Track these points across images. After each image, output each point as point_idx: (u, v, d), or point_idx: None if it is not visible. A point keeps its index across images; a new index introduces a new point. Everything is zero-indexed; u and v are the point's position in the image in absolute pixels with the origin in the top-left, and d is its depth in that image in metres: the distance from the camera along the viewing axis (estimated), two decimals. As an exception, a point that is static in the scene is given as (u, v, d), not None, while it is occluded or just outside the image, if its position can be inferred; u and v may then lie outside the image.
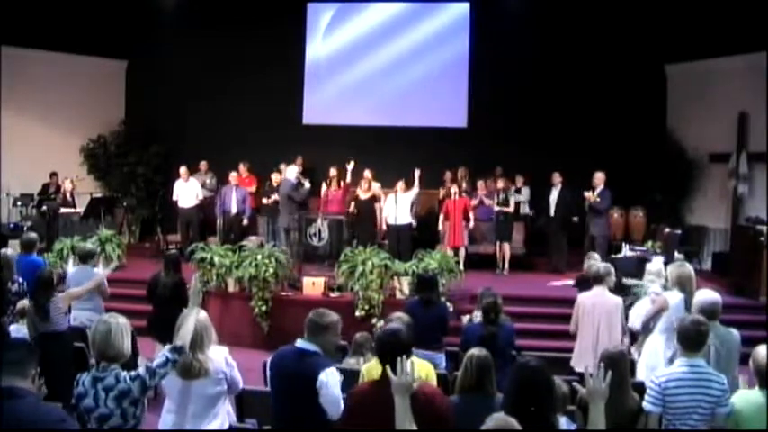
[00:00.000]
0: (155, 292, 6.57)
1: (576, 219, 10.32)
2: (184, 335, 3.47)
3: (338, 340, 3.62)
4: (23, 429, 2.58)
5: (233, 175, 10.99)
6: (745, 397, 3.51)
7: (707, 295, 4.43)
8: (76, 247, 8.15)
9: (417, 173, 10.21)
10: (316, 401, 3.34)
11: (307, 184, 10.23)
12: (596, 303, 5.49)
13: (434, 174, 11.48)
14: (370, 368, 3.96)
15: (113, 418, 3.03)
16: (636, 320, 5.45)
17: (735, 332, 4.44)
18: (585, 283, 6.39)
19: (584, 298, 5.60)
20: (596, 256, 7.03)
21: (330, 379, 3.34)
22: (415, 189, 10.23)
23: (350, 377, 4.12)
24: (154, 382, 3.22)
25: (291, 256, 8.95)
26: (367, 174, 10.72)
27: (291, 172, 10.10)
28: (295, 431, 3.49)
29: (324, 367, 3.37)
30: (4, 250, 6.44)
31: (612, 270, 5.71)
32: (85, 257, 6.61)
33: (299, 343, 3.48)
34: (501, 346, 4.88)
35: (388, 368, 2.78)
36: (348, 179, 10.85)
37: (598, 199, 9.85)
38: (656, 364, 4.80)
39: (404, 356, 2.78)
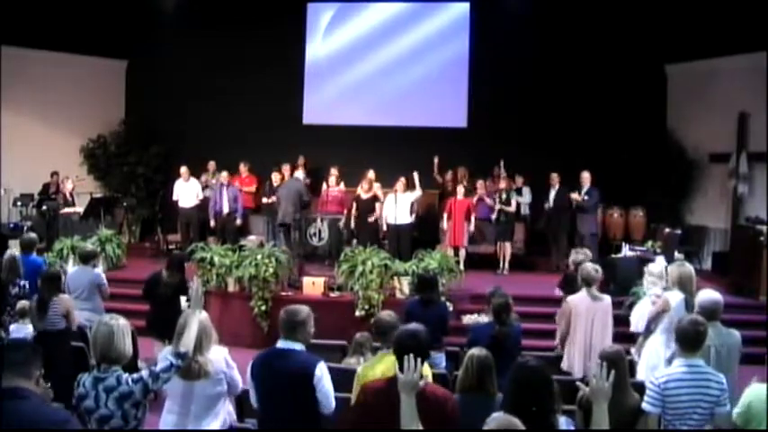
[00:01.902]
0: (155, 290, 6.50)
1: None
2: (188, 341, 3.48)
3: (312, 330, 3.68)
4: (27, 430, 2.57)
5: (223, 175, 10.94)
6: (757, 392, 3.51)
7: (708, 295, 4.42)
8: (77, 247, 8.17)
9: (416, 175, 10.22)
10: (311, 397, 3.43)
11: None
12: (590, 306, 5.43)
13: (434, 175, 11.54)
14: (367, 368, 3.96)
15: (114, 419, 3.03)
16: (638, 322, 5.43)
17: (735, 333, 4.44)
18: (573, 282, 6.25)
19: (576, 300, 5.49)
20: (585, 250, 6.83)
21: (324, 373, 3.48)
22: (417, 192, 10.22)
23: (350, 377, 4.12)
24: (156, 386, 3.22)
25: (293, 256, 8.94)
26: (370, 174, 10.73)
27: (298, 174, 9.92)
28: (296, 430, 3.51)
29: (316, 363, 3.49)
30: (11, 251, 6.46)
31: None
32: (86, 258, 6.62)
33: (282, 344, 3.55)
34: (510, 347, 4.84)
35: (396, 366, 2.78)
36: (341, 185, 10.97)
37: (586, 197, 9.92)
38: (657, 363, 4.80)
39: (411, 355, 2.79)
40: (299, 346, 3.52)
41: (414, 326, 3.20)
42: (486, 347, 3.77)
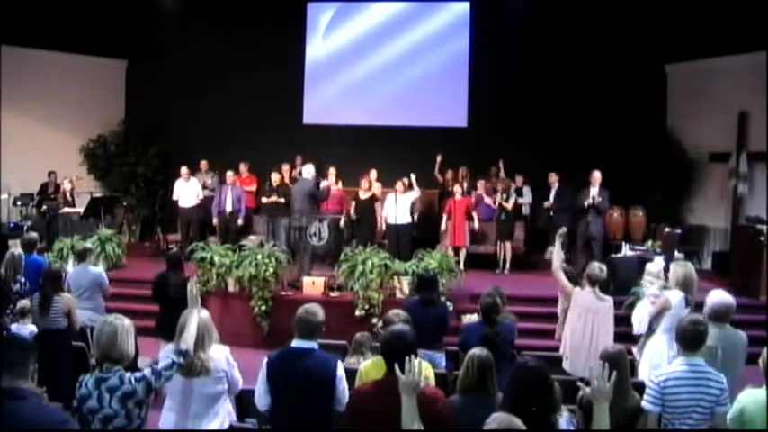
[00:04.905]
0: (164, 292, 6.43)
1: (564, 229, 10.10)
2: (188, 339, 3.48)
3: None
4: (26, 431, 2.57)
5: (229, 174, 10.98)
6: (753, 396, 3.51)
7: (720, 296, 4.36)
8: (76, 246, 8.17)
9: (413, 177, 10.25)
10: (330, 395, 3.46)
11: (324, 183, 9.98)
12: (592, 305, 5.45)
13: (434, 174, 11.57)
14: (368, 367, 3.97)
15: (118, 418, 3.02)
16: (640, 324, 5.42)
17: (742, 333, 4.39)
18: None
19: (581, 295, 5.55)
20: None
21: (342, 372, 3.54)
22: (416, 192, 10.21)
23: (350, 377, 4.12)
24: (159, 384, 3.21)
25: (305, 258, 8.93)
26: (372, 175, 10.72)
27: (308, 171, 9.44)
28: (300, 429, 3.51)
29: (337, 361, 3.56)
30: (12, 250, 6.47)
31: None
32: (82, 255, 6.61)
33: (300, 344, 3.55)
34: (502, 346, 4.84)
35: (396, 367, 2.79)
36: (339, 185, 10.97)
37: (600, 199, 9.77)
38: (660, 363, 4.78)
39: (411, 356, 2.80)
40: (316, 345, 3.57)
41: (399, 327, 3.21)
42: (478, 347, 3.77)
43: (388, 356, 2.98)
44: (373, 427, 2.92)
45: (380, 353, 3.13)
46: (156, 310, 6.68)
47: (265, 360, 3.61)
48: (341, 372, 3.51)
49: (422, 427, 2.74)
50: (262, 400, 3.58)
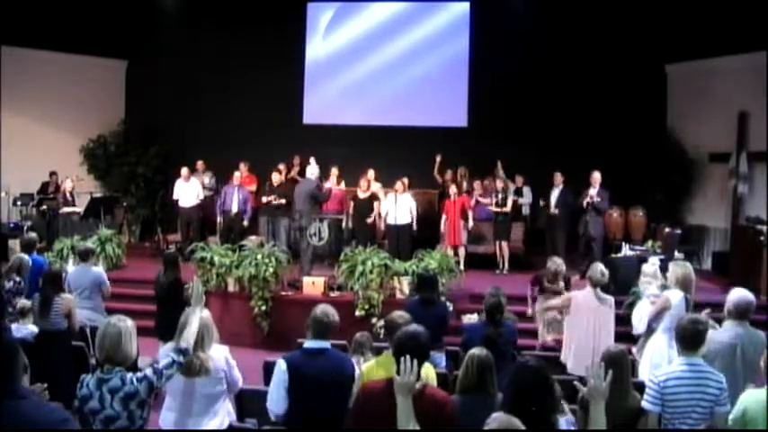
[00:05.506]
0: (157, 292, 6.57)
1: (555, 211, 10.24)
2: (189, 337, 3.48)
3: None
4: (25, 430, 2.56)
5: (236, 175, 10.95)
6: (755, 397, 3.50)
7: (742, 293, 4.33)
8: (76, 246, 8.18)
9: (406, 181, 10.31)
10: (347, 396, 3.49)
11: (326, 185, 9.99)
12: (593, 306, 5.47)
13: (433, 174, 11.57)
14: (371, 367, 3.97)
15: (120, 419, 3.01)
16: (638, 322, 5.43)
17: (761, 333, 4.37)
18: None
19: (580, 297, 5.56)
20: (557, 259, 6.95)
21: (358, 371, 3.65)
22: (414, 210, 10.21)
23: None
24: (160, 383, 3.20)
25: (305, 258, 8.93)
26: (370, 174, 10.71)
27: (311, 171, 9.43)
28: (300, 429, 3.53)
29: (351, 361, 3.64)
30: (20, 254, 6.46)
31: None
32: (85, 255, 6.62)
33: (314, 344, 3.58)
34: (504, 346, 4.85)
35: (393, 368, 2.79)
36: (341, 185, 10.96)
37: (599, 199, 9.80)
38: (660, 362, 4.78)
39: (408, 356, 2.79)
40: (329, 345, 3.61)
41: (414, 327, 3.18)
42: (478, 347, 3.77)
43: (399, 357, 2.95)
44: (378, 424, 2.92)
45: (393, 353, 3.12)
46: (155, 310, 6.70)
47: (282, 365, 3.54)
48: (357, 371, 3.59)
49: (417, 428, 2.74)
50: (279, 405, 3.51)
